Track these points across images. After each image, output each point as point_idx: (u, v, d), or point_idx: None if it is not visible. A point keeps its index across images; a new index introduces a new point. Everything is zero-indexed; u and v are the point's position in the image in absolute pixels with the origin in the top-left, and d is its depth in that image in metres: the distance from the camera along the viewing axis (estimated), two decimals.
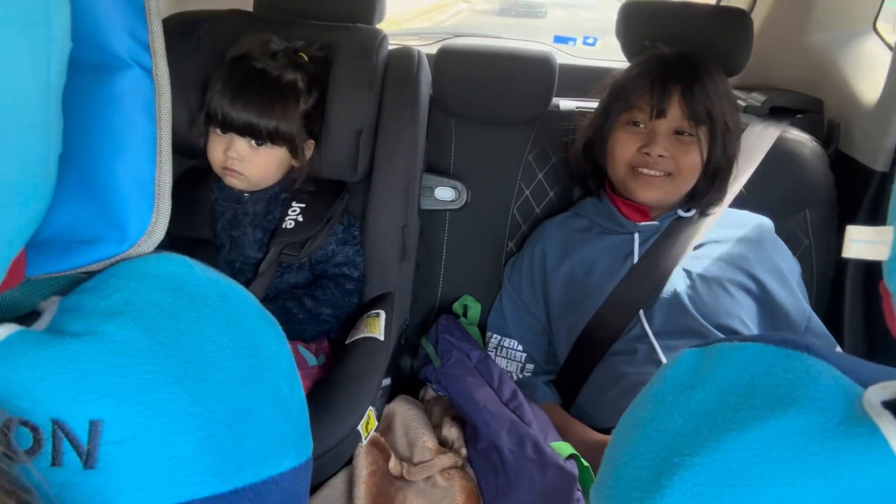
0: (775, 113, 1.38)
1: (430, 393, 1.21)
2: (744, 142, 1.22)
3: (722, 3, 1.71)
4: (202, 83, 1.08)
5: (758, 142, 1.26)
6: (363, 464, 0.96)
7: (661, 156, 1.08)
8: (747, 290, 1.11)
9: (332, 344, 1.15)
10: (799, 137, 1.32)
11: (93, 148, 0.36)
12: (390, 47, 1.25)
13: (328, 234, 1.11)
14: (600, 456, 0.41)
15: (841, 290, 1.30)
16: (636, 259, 1.14)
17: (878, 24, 1.42)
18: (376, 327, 1.06)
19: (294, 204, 1.10)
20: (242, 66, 1.04)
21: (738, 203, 1.20)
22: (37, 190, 0.31)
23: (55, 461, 0.29)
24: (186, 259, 0.38)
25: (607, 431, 1.07)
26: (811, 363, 0.35)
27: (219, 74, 1.05)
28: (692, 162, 1.10)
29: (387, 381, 1.11)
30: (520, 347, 1.22)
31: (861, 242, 0.33)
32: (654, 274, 1.12)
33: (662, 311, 1.10)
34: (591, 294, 1.14)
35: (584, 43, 2.48)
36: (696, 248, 1.14)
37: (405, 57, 1.22)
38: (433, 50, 1.35)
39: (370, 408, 0.96)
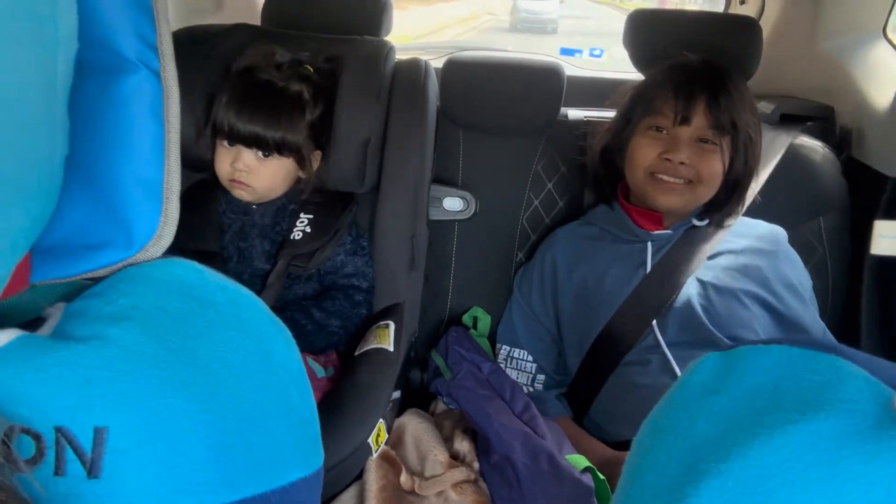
0: (786, 120, 1.38)
1: (440, 406, 1.19)
2: None
3: (730, 12, 1.71)
4: (209, 96, 1.09)
5: (769, 150, 1.26)
6: (374, 478, 0.95)
7: (682, 163, 1.07)
8: (761, 302, 1.09)
9: (340, 356, 1.14)
10: (811, 144, 1.31)
11: (99, 150, 0.36)
12: (397, 59, 1.25)
13: (336, 244, 1.11)
14: (615, 470, 0.39)
15: (857, 298, 1.28)
16: (649, 268, 1.12)
17: (888, 31, 1.41)
18: (386, 338, 1.05)
19: (302, 215, 1.10)
20: (248, 78, 1.05)
21: (751, 211, 1.19)
22: (40, 190, 0.30)
23: (58, 470, 0.28)
24: (195, 264, 0.37)
25: (621, 444, 1.06)
26: (839, 364, 0.34)
27: (225, 87, 1.05)
28: (714, 171, 1.08)
29: (396, 394, 1.10)
30: (530, 358, 1.21)
31: (891, 238, 0.32)
32: (668, 283, 1.10)
33: (676, 321, 1.08)
34: (602, 303, 1.13)
35: (591, 55, 2.49)
36: (710, 257, 1.13)
37: (412, 67, 1.22)
38: (440, 64, 1.35)
39: (380, 420, 0.95)
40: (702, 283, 1.10)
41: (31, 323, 0.34)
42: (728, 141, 1.08)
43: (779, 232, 1.18)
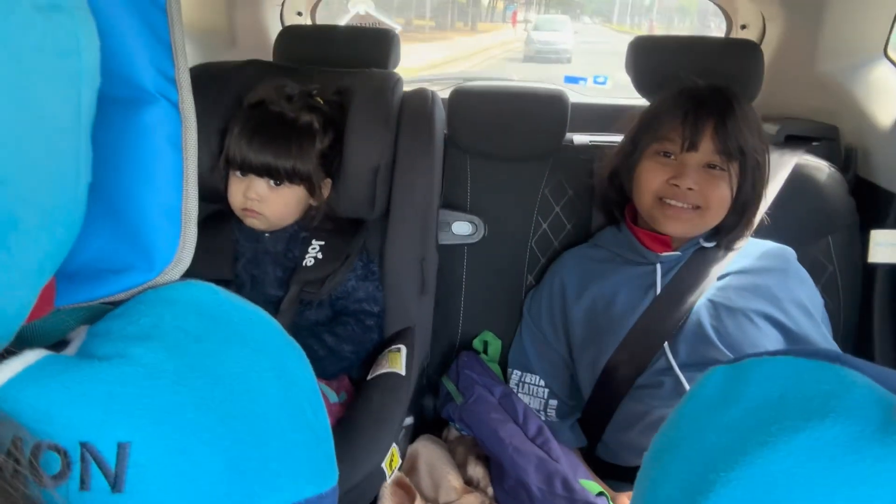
0: (791, 141, 1.39)
1: (453, 432, 1.19)
2: None
3: (732, 36, 1.73)
4: (223, 130, 1.12)
5: (775, 170, 1.26)
6: None
7: (689, 189, 1.07)
8: (773, 322, 1.08)
9: (353, 381, 1.15)
10: (816, 164, 1.32)
11: (121, 179, 0.37)
12: (404, 90, 1.28)
13: (348, 270, 1.12)
14: None
15: (869, 315, 1.28)
16: (659, 290, 1.12)
17: (889, 50, 1.43)
18: (398, 362, 1.05)
19: (314, 242, 1.12)
20: (260, 110, 1.08)
21: (760, 232, 1.19)
22: (67, 216, 0.32)
23: (83, 485, 0.29)
24: (212, 285, 0.38)
25: (635, 471, 1.04)
26: (844, 374, 0.34)
27: (237, 119, 1.08)
28: (721, 196, 1.08)
29: (409, 420, 1.10)
30: (542, 383, 1.20)
31: (886, 246, 0.33)
32: (678, 305, 1.10)
33: (687, 342, 1.08)
34: (613, 326, 1.12)
35: (595, 82, 2.52)
36: (720, 278, 1.13)
37: (419, 97, 1.25)
38: (446, 94, 1.38)
39: (393, 445, 0.95)
40: (712, 303, 1.10)
41: (56, 345, 0.35)
42: (736, 166, 1.08)
43: (788, 251, 1.18)
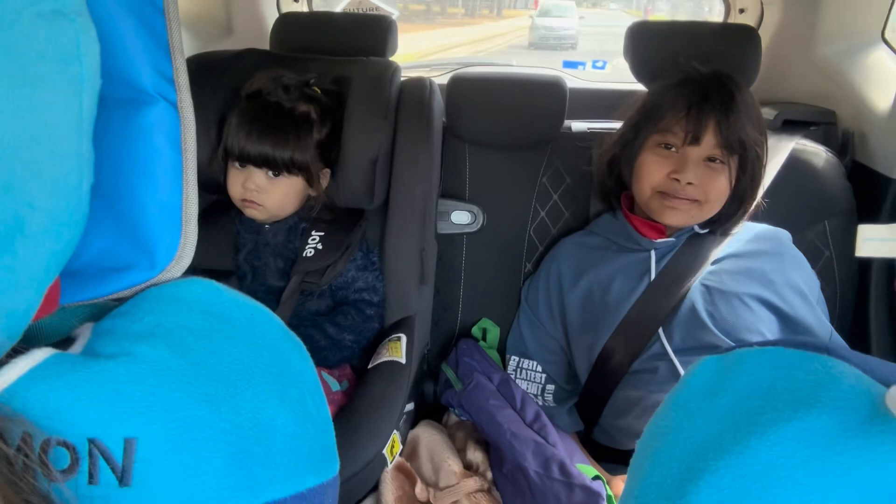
0: (789, 126, 1.39)
1: (453, 418, 1.20)
2: None
3: (729, 21, 1.73)
4: (221, 121, 1.12)
5: (772, 155, 1.26)
6: (389, 489, 0.96)
7: (689, 183, 1.07)
8: (767, 305, 1.09)
9: (354, 370, 1.16)
10: (813, 149, 1.32)
11: (122, 179, 0.38)
12: (403, 78, 1.28)
13: (348, 260, 1.13)
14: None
15: (865, 299, 1.28)
16: (653, 276, 1.13)
17: (887, 34, 1.42)
18: (398, 351, 1.06)
19: (313, 233, 1.12)
20: (257, 100, 1.08)
21: (756, 216, 1.19)
22: (70, 218, 0.32)
23: (92, 479, 0.30)
24: (213, 283, 0.39)
25: (631, 454, 1.05)
26: (831, 364, 0.35)
27: (235, 110, 1.08)
28: (720, 190, 1.08)
29: (410, 406, 1.11)
30: (539, 368, 1.22)
31: (874, 241, 0.33)
32: (672, 291, 1.11)
33: (682, 327, 1.08)
34: (608, 313, 1.13)
35: (594, 67, 2.50)
36: (714, 262, 1.13)
37: (417, 86, 1.25)
38: (445, 80, 1.38)
39: (394, 431, 0.96)
40: (706, 288, 1.10)
41: (62, 342, 0.35)
42: (735, 159, 1.08)
43: (782, 234, 1.18)
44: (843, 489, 0.30)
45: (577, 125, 1.42)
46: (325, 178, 1.15)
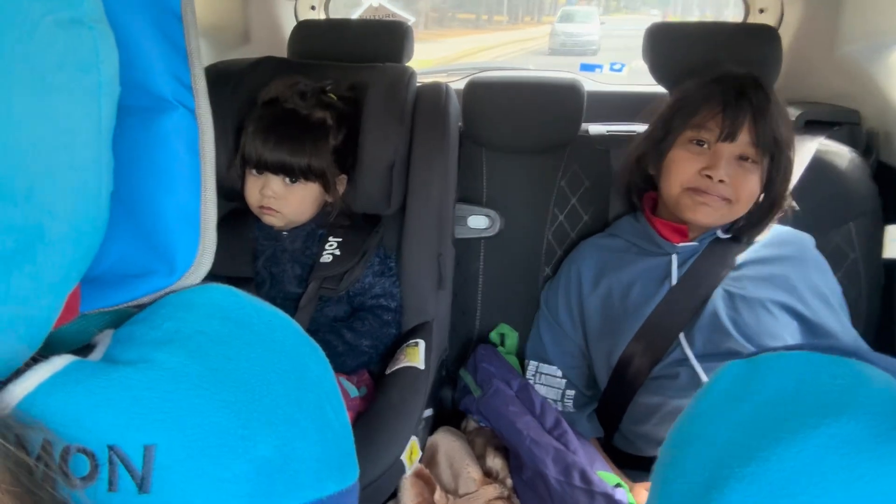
0: (811, 126, 1.36)
1: (471, 424, 1.20)
2: None
3: (749, 21, 1.71)
4: (238, 128, 1.13)
5: (796, 156, 1.24)
6: (408, 496, 0.96)
7: (721, 181, 1.05)
8: (790, 311, 1.07)
9: (372, 376, 1.16)
10: (837, 149, 1.30)
11: (142, 186, 0.38)
12: (419, 84, 1.28)
13: (365, 266, 1.13)
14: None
15: (892, 303, 1.26)
16: (674, 281, 1.11)
17: None
18: (416, 356, 1.06)
19: (331, 239, 1.13)
20: (273, 108, 1.09)
21: (780, 219, 1.18)
22: (90, 225, 0.33)
23: (111, 486, 0.30)
24: (232, 289, 0.39)
25: (651, 461, 1.03)
26: (859, 368, 0.34)
27: (252, 117, 1.09)
28: (752, 189, 1.06)
29: (429, 412, 1.11)
30: (559, 373, 1.20)
31: None
32: (694, 296, 1.09)
33: (703, 333, 1.07)
34: (628, 317, 1.12)
35: (612, 69, 2.48)
36: (737, 268, 1.11)
37: (434, 91, 1.25)
38: (461, 86, 1.38)
39: (413, 437, 0.96)
40: (729, 293, 1.09)
41: (82, 349, 0.36)
42: (767, 160, 1.06)
43: (805, 237, 1.16)
44: (873, 496, 0.29)
45: (595, 128, 1.41)
46: (341, 185, 1.15)
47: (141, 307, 0.38)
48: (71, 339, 0.38)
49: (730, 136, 1.04)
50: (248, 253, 1.13)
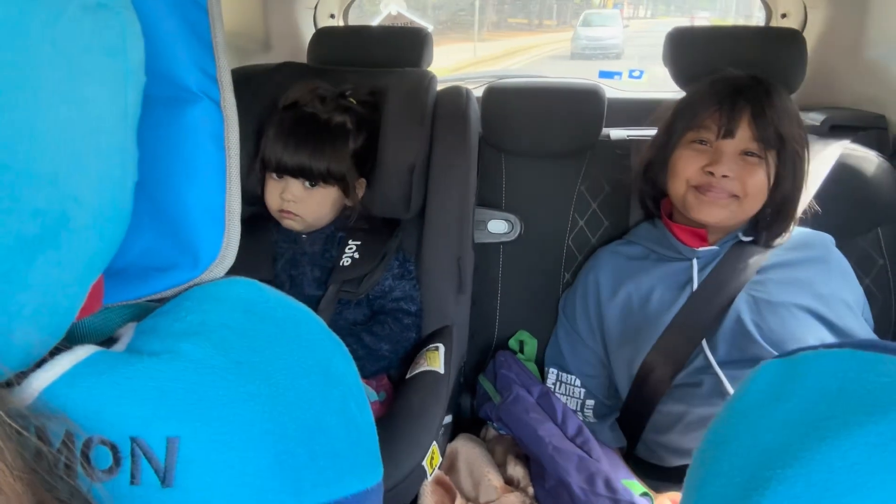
0: (836, 131, 1.34)
1: (491, 431, 1.18)
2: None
3: (772, 25, 1.69)
4: (259, 132, 1.13)
5: (820, 160, 1.22)
6: (429, 502, 0.94)
7: (725, 176, 1.04)
8: (816, 315, 1.05)
9: (392, 380, 1.15)
10: (863, 154, 1.27)
11: (166, 177, 0.38)
12: (439, 88, 1.28)
13: (384, 269, 1.13)
14: None
15: None
16: (695, 286, 1.09)
17: None
18: (436, 360, 1.05)
19: (350, 242, 1.13)
20: (293, 112, 1.09)
21: (806, 223, 1.15)
22: (114, 213, 0.32)
23: (134, 479, 0.29)
24: (256, 282, 0.38)
25: (675, 471, 1.02)
26: None
27: (272, 121, 1.09)
28: (759, 184, 1.05)
29: (448, 419, 1.10)
30: (578, 383, 1.19)
31: None
32: (716, 301, 1.07)
33: (726, 339, 1.04)
34: (648, 324, 1.10)
35: (631, 76, 2.47)
36: (760, 271, 1.09)
37: (454, 94, 1.25)
38: (480, 92, 1.37)
39: (434, 443, 0.95)
40: (752, 298, 1.06)
41: (105, 342, 0.35)
42: (774, 155, 1.05)
43: (826, 238, 1.14)
44: None
45: (616, 133, 1.40)
46: (360, 188, 1.15)
47: (164, 301, 0.38)
48: (93, 332, 0.37)
49: (728, 133, 1.04)
50: (267, 256, 1.14)
